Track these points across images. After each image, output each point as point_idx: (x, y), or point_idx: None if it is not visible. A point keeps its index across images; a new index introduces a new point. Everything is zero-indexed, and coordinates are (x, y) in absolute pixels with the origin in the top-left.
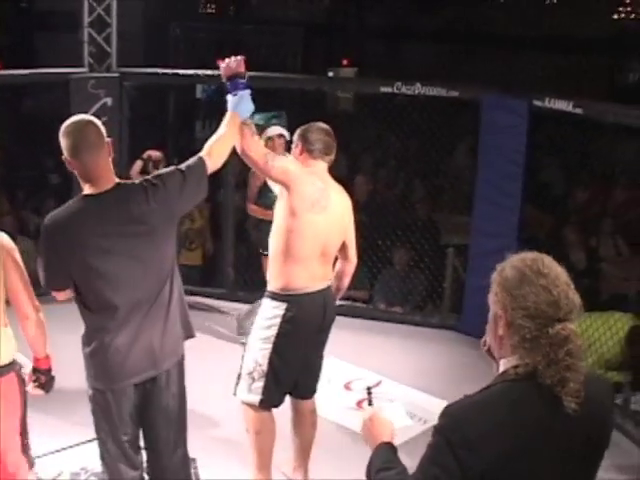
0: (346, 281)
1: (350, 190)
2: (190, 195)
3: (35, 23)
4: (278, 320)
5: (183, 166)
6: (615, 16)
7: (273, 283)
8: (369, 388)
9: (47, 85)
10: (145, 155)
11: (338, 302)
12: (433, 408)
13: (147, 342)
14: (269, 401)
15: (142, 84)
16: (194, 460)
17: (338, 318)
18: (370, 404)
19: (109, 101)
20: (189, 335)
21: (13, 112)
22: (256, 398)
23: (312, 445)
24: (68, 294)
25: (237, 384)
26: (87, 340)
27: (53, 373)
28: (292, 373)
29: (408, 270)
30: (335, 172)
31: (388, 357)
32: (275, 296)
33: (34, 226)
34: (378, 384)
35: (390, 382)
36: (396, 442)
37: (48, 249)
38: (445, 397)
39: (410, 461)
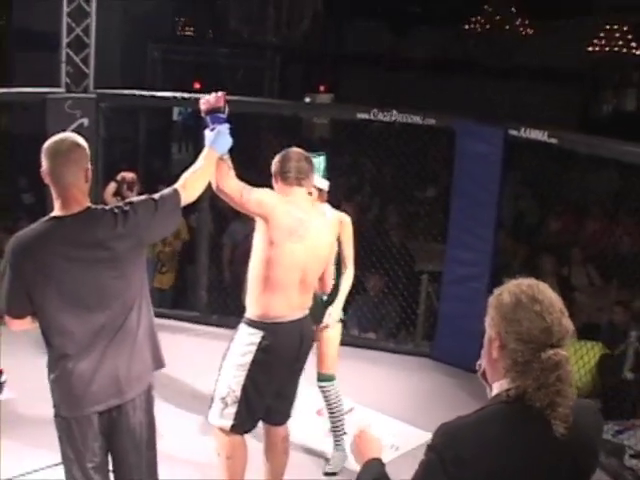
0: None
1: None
2: (161, 225)
3: (12, 42)
4: (254, 348)
5: (157, 196)
6: (590, 48)
7: (250, 310)
8: None
9: (23, 104)
10: (119, 177)
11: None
12: (405, 435)
13: (112, 370)
14: (241, 426)
15: (118, 105)
16: None
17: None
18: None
19: (85, 122)
20: (159, 366)
21: None
22: (228, 423)
23: (284, 472)
24: (25, 324)
25: (210, 407)
26: (51, 367)
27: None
28: (265, 400)
29: (382, 296)
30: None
31: (361, 383)
32: (252, 323)
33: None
34: (350, 411)
35: (362, 409)
36: None
37: (11, 270)
38: (418, 424)
39: None
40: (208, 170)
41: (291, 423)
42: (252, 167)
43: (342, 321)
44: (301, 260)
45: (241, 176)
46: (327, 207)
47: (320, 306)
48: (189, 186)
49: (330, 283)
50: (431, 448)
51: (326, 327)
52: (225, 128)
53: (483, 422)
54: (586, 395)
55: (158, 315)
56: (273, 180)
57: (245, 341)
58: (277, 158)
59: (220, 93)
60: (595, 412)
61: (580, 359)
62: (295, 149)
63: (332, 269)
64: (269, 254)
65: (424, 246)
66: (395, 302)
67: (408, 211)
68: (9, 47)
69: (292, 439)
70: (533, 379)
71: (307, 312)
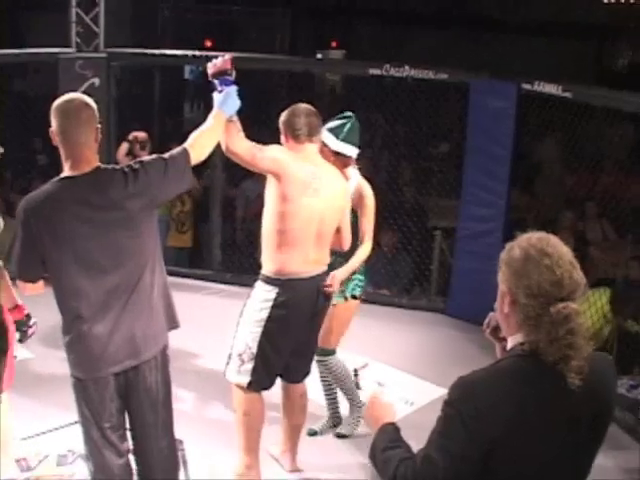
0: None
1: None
2: (172, 184)
3: (22, 3)
4: (269, 304)
5: (167, 155)
6: (606, 0)
7: (266, 266)
8: (356, 370)
9: (35, 65)
10: (131, 137)
11: None
12: (420, 390)
13: (128, 331)
14: (258, 383)
15: (130, 65)
16: (181, 442)
17: None
18: (357, 386)
19: (96, 81)
20: (173, 326)
21: (0, 92)
22: (245, 380)
23: (301, 429)
24: (37, 289)
25: (227, 364)
26: (66, 329)
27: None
28: (282, 357)
29: (395, 253)
30: None
31: (375, 339)
32: (268, 280)
33: None
34: (365, 366)
35: (377, 364)
36: None
37: (22, 231)
38: (432, 379)
39: None
40: (217, 130)
41: (310, 382)
42: (264, 124)
43: (354, 297)
44: (317, 213)
45: (252, 133)
46: (354, 172)
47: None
48: (197, 146)
49: (348, 239)
50: (448, 403)
51: (329, 287)
52: (233, 90)
53: (499, 375)
54: (602, 343)
55: (174, 274)
56: (283, 138)
57: (261, 297)
58: (285, 115)
59: (227, 56)
60: (610, 363)
61: (593, 305)
62: (303, 105)
63: (348, 225)
64: (284, 209)
65: (437, 202)
66: (409, 258)
67: (421, 167)
68: (19, 9)
69: (310, 398)
70: (545, 333)
71: (325, 269)
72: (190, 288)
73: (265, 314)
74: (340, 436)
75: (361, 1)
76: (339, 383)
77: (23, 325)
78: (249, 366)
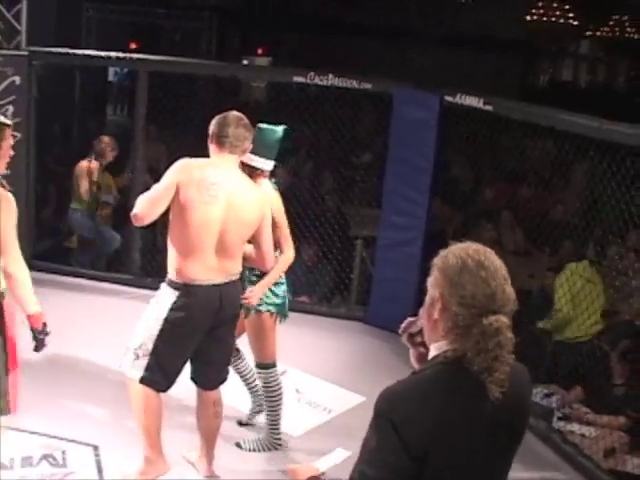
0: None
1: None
2: None
3: None
4: (168, 306)
5: None
6: (528, 17)
7: (169, 270)
8: None
9: None
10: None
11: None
12: (338, 398)
13: None
14: (150, 380)
15: (52, 64)
16: (96, 448)
17: None
18: None
19: (17, 79)
20: None
21: None
22: (138, 374)
23: (216, 435)
24: None
25: (124, 355)
26: None
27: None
28: (179, 361)
29: (316, 260)
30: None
31: (294, 347)
32: (170, 283)
33: None
34: (283, 373)
35: (295, 372)
36: (300, 432)
37: None
38: (350, 387)
39: (314, 448)
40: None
41: (223, 387)
42: (188, 128)
43: (273, 313)
44: (216, 221)
45: (175, 136)
46: (266, 184)
47: (245, 283)
48: None
49: (270, 258)
50: (378, 415)
51: (246, 300)
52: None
53: (425, 383)
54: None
55: (93, 278)
56: (209, 139)
57: (162, 299)
58: (216, 120)
59: None
60: (526, 373)
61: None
62: (235, 113)
63: (269, 243)
64: (181, 214)
65: (359, 211)
66: (329, 266)
67: (343, 176)
68: None
69: (224, 402)
70: (473, 343)
71: (233, 278)
72: (109, 292)
73: (164, 315)
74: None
75: (289, 9)
76: (268, 401)
77: (39, 334)
78: (143, 362)
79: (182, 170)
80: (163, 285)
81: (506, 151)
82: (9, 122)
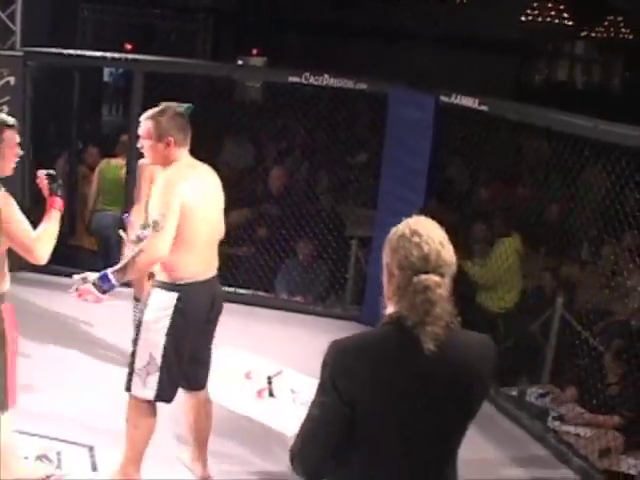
0: None
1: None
2: None
3: None
4: (169, 312)
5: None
6: (523, 18)
7: (162, 272)
8: (269, 377)
9: None
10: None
11: (242, 291)
12: None
13: None
14: (163, 395)
15: (47, 65)
16: (92, 448)
17: (240, 307)
18: (271, 394)
19: (12, 80)
20: None
21: None
22: (151, 394)
23: (209, 436)
24: None
25: (129, 380)
26: None
27: None
28: (183, 366)
29: (311, 260)
30: (242, 162)
31: (289, 347)
32: (164, 285)
33: None
34: (279, 373)
35: (291, 372)
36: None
37: None
38: None
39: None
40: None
41: (218, 385)
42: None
43: None
44: (208, 214)
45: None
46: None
47: None
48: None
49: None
50: (323, 365)
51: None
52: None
53: (367, 339)
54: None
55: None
56: (162, 146)
57: (157, 306)
58: (166, 120)
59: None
60: (486, 345)
61: (499, 257)
62: (172, 105)
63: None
64: (181, 222)
65: (354, 211)
66: (324, 266)
67: (339, 176)
68: None
69: (220, 401)
70: (407, 300)
71: (216, 272)
72: None
73: (166, 322)
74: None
75: (284, 10)
76: None
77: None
78: (154, 379)
79: (179, 193)
80: (155, 291)
81: (501, 151)
82: (10, 121)
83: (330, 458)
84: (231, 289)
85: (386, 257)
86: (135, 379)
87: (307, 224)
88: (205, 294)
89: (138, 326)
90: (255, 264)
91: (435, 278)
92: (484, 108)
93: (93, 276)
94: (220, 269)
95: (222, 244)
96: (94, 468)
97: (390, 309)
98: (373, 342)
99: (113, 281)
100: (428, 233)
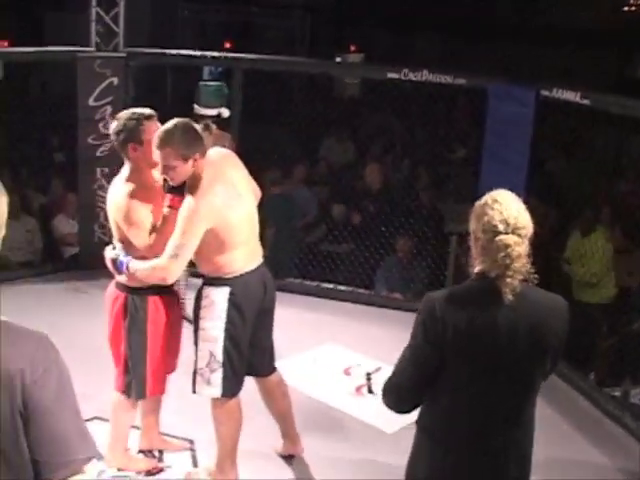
0: None
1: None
2: None
3: (45, 3)
4: (224, 307)
5: None
6: (625, 8)
7: (209, 268)
8: (368, 374)
9: (54, 64)
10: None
11: (342, 288)
12: None
13: None
14: (229, 390)
15: (148, 65)
16: (192, 442)
17: (339, 304)
18: (370, 390)
19: (115, 81)
20: None
21: (20, 90)
22: (217, 391)
23: (292, 413)
24: None
25: (194, 380)
26: None
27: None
28: (244, 357)
29: (410, 257)
30: (344, 158)
31: (388, 343)
32: (213, 281)
33: (38, 205)
34: (377, 370)
35: (389, 368)
36: (395, 428)
37: None
38: None
39: (407, 445)
40: None
41: (317, 381)
42: (282, 125)
43: None
44: (245, 213)
45: (270, 134)
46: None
47: None
48: None
49: None
50: (417, 313)
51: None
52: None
53: (455, 291)
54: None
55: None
56: (190, 163)
57: (209, 302)
58: (175, 140)
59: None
60: (558, 303)
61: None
62: (183, 121)
63: None
64: (219, 232)
65: (454, 207)
66: (424, 263)
67: (438, 172)
68: (40, 8)
69: (318, 397)
70: (490, 258)
71: (262, 260)
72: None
73: (223, 316)
74: None
75: (380, 7)
76: None
77: None
78: (218, 376)
79: (205, 218)
80: (205, 288)
81: (604, 146)
82: (149, 112)
83: (417, 394)
84: (331, 286)
85: (472, 224)
86: (198, 379)
87: (407, 221)
88: (256, 283)
89: (194, 325)
90: (355, 261)
91: (514, 238)
92: (586, 102)
93: (119, 257)
94: (320, 266)
95: (321, 242)
96: (195, 464)
97: (476, 268)
98: (461, 293)
99: (124, 271)
100: (507, 201)
